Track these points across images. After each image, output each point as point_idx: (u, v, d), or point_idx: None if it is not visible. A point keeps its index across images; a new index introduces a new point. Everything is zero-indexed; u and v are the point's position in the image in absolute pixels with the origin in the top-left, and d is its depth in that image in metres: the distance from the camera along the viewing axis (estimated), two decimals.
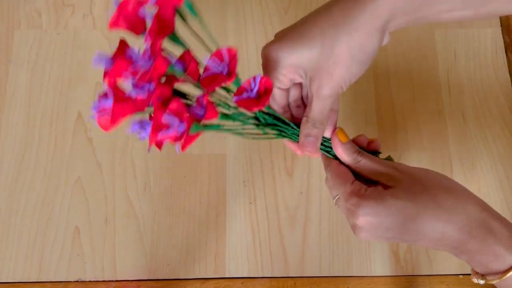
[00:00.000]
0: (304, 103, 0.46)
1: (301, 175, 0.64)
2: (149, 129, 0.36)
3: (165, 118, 0.36)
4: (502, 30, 0.71)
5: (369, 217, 0.38)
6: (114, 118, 0.36)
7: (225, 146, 0.65)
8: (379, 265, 0.60)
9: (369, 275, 0.60)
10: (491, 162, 0.64)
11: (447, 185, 0.39)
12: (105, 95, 0.37)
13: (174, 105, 0.37)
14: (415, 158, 0.65)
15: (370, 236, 0.39)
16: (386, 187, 0.39)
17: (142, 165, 0.64)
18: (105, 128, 0.37)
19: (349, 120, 0.66)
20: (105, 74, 0.37)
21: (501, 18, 0.72)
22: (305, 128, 0.42)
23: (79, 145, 0.65)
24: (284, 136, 0.44)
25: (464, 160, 0.65)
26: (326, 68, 0.39)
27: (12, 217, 0.62)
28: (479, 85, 0.68)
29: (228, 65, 0.38)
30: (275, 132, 0.44)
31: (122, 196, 0.63)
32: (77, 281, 0.60)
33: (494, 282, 0.38)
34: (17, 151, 0.65)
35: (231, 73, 0.38)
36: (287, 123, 0.44)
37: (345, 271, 0.60)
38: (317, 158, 0.64)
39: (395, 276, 0.59)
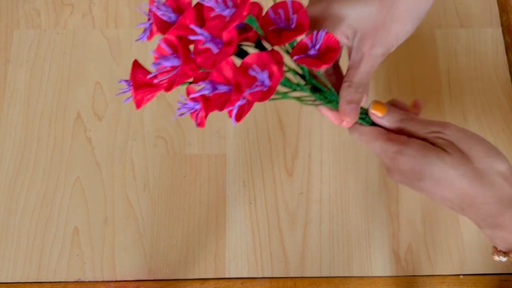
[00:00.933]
0: (335, 71, 0.44)
1: (301, 175, 0.64)
2: (207, 90, 0.33)
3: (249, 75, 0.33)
4: (502, 30, 0.71)
5: (410, 164, 0.37)
6: (178, 79, 0.33)
7: (225, 146, 0.65)
8: (380, 265, 0.60)
9: (370, 275, 0.59)
10: None
11: (498, 166, 0.38)
12: (163, 55, 0.34)
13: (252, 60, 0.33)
14: None
15: (403, 180, 0.39)
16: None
17: (142, 165, 0.64)
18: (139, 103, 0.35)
19: None
20: (166, 30, 0.33)
21: (501, 18, 0.71)
22: (348, 94, 0.39)
23: (79, 145, 0.65)
24: (327, 102, 0.41)
25: None
26: (383, 25, 0.38)
27: (11, 217, 0.62)
28: (480, 84, 0.68)
29: (294, 18, 0.35)
30: (317, 97, 0.40)
31: (122, 196, 0.63)
32: (77, 282, 0.59)
33: None
34: (16, 151, 0.65)
35: (300, 26, 0.35)
36: (329, 89, 0.40)
37: (346, 272, 0.60)
38: (316, 158, 0.64)
39: (395, 277, 0.59)
